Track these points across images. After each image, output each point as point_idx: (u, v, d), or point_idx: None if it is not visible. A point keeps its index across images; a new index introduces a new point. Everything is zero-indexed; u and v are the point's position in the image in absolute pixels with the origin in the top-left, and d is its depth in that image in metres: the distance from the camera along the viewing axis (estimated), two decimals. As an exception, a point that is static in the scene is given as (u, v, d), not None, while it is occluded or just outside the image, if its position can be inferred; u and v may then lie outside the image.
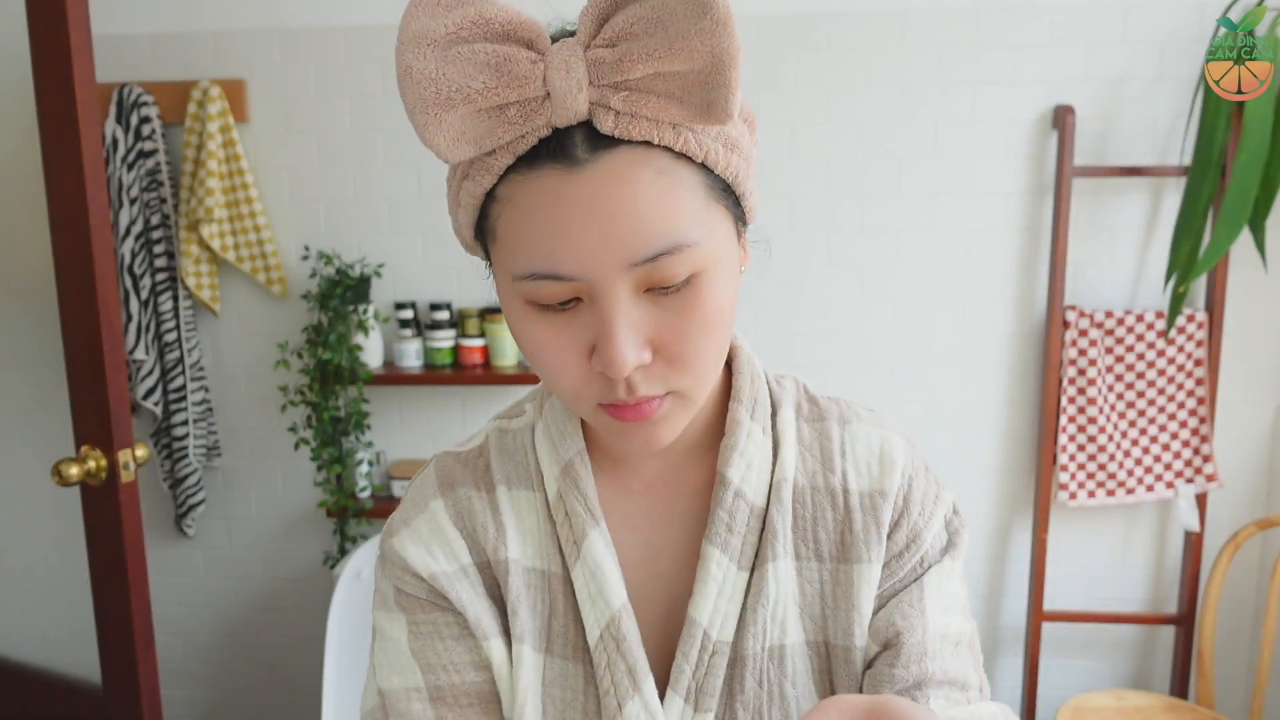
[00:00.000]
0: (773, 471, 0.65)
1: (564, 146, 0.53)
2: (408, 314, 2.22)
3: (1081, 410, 2.12)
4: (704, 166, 0.55)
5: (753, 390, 0.67)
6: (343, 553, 2.30)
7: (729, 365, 0.70)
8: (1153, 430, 2.13)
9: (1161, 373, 2.11)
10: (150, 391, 2.23)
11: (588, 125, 0.53)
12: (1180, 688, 2.21)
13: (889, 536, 0.66)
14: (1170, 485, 2.13)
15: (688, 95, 0.51)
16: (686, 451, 0.67)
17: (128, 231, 2.17)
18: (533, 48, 0.53)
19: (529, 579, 0.65)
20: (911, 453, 0.69)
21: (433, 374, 2.20)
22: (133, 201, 2.17)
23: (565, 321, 0.55)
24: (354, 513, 2.25)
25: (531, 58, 0.52)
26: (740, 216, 0.60)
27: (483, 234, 0.59)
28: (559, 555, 0.65)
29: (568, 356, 0.56)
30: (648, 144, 0.53)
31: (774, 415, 0.68)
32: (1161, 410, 2.12)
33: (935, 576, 0.66)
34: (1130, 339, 2.11)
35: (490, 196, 0.56)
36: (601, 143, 0.52)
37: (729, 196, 0.57)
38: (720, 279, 0.56)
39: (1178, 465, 2.12)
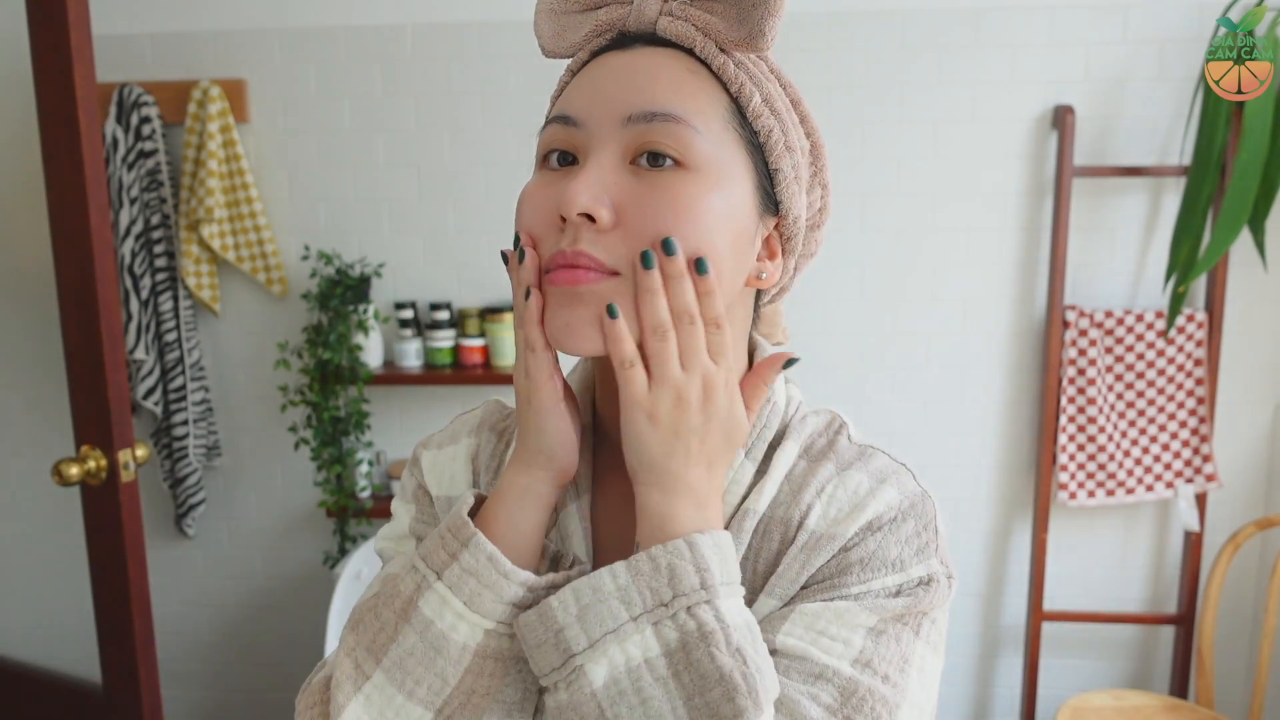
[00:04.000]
0: (743, 501, 0.63)
1: (625, 41, 0.62)
2: (408, 314, 2.22)
3: (1081, 410, 2.12)
4: (735, 103, 0.60)
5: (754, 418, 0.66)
6: (343, 553, 2.30)
7: None
8: (1152, 430, 2.13)
9: (1161, 373, 2.11)
10: (150, 391, 2.23)
11: (652, 34, 0.61)
12: (1180, 688, 2.21)
13: (813, 575, 0.61)
14: (1170, 485, 2.13)
15: (737, 19, 0.58)
16: None
17: (128, 231, 2.17)
18: None
19: None
20: (902, 508, 0.62)
21: (433, 374, 2.20)
22: (133, 201, 2.17)
23: (556, 179, 0.59)
24: (354, 513, 2.25)
25: None
26: (769, 198, 0.62)
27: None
28: None
29: (545, 206, 0.58)
30: (690, 52, 0.60)
31: (776, 446, 0.65)
32: (1161, 410, 2.12)
33: (834, 611, 0.59)
34: (1130, 339, 2.11)
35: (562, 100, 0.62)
36: (655, 41, 0.61)
37: (757, 154, 0.61)
38: (707, 192, 0.57)
39: (1177, 465, 2.12)
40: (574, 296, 0.56)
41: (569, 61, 0.65)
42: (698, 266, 0.56)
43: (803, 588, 0.60)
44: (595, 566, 0.66)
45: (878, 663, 0.57)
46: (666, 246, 0.55)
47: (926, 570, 0.61)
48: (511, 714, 0.59)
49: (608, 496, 0.67)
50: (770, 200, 0.61)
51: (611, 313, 0.55)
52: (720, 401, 0.57)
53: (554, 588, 0.58)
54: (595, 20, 0.63)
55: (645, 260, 0.55)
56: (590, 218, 0.55)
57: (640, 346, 0.57)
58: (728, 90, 0.60)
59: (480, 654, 0.57)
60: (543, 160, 0.61)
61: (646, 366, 0.57)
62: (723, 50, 0.59)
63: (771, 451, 0.65)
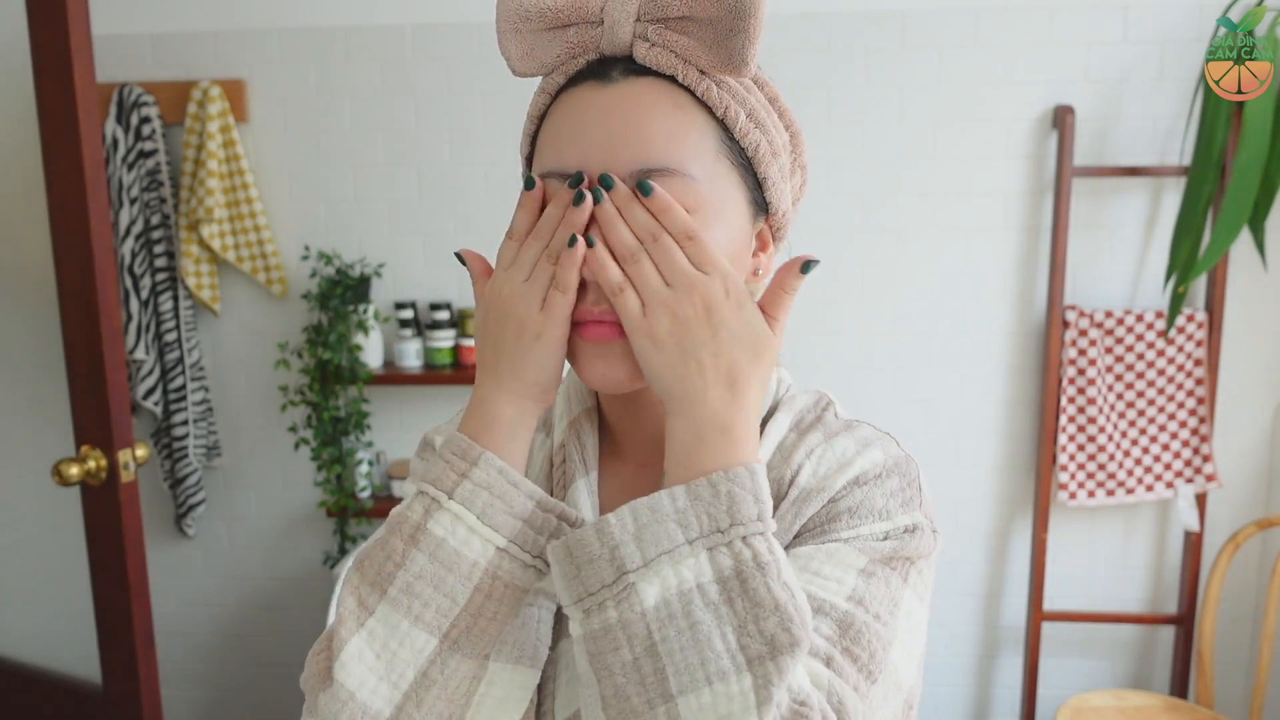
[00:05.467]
0: None
1: (604, 69, 0.61)
2: (408, 314, 2.22)
3: (1081, 410, 2.12)
4: (722, 125, 0.61)
5: None
6: (343, 553, 2.30)
7: None
8: (1152, 430, 2.13)
9: (1161, 372, 2.11)
10: (150, 391, 2.23)
11: (629, 60, 0.61)
12: (1180, 688, 2.21)
13: (804, 524, 0.64)
14: (1170, 485, 2.13)
15: (715, 42, 0.58)
16: None
17: (128, 231, 2.17)
18: None
19: None
20: (887, 465, 0.65)
21: (433, 374, 2.20)
22: (133, 201, 2.17)
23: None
24: (354, 513, 2.25)
25: None
26: (760, 203, 0.64)
27: (532, 163, 0.66)
28: (550, 495, 0.71)
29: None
30: (673, 80, 0.60)
31: (768, 420, 0.69)
32: (1161, 410, 2.12)
33: (825, 552, 0.61)
34: (1130, 339, 2.11)
35: (542, 120, 0.64)
36: (634, 70, 0.60)
37: (746, 170, 0.62)
38: (707, 230, 0.59)
39: (1177, 465, 2.12)
40: (607, 350, 0.61)
41: (542, 81, 0.65)
42: (641, 189, 0.58)
43: (795, 538, 0.63)
44: None
45: (869, 602, 0.60)
46: (604, 181, 0.58)
47: (911, 520, 0.64)
48: (521, 661, 0.60)
49: (611, 479, 0.71)
50: (761, 203, 0.64)
51: (589, 242, 0.58)
52: (724, 311, 0.56)
53: (558, 514, 0.59)
54: (566, 41, 0.62)
55: (595, 196, 0.58)
56: None
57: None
58: (713, 113, 0.61)
59: (491, 573, 0.58)
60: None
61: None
62: (703, 73, 0.60)
63: (763, 425, 0.68)
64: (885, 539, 0.62)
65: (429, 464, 0.63)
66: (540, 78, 0.65)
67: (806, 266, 0.61)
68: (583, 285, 0.60)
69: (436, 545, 0.58)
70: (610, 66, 0.61)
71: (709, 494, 0.53)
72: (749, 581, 0.52)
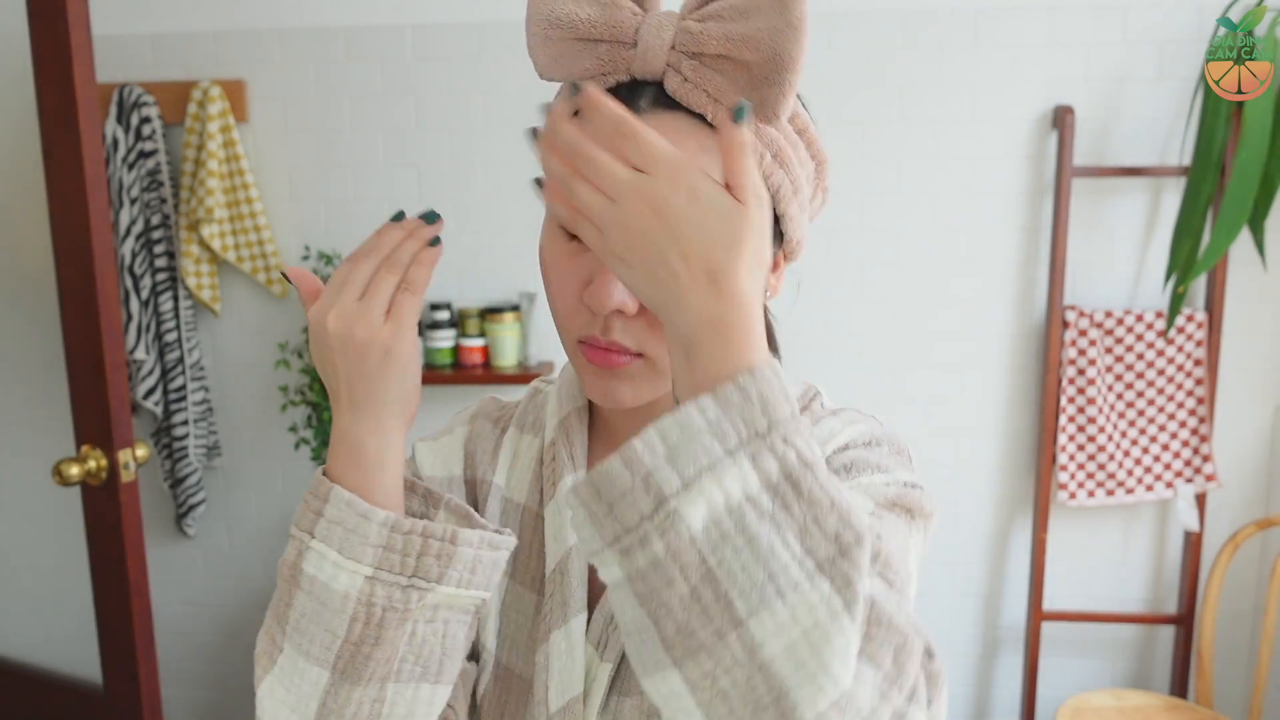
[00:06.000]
0: None
1: (634, 95, 0.59)
2: (408, 314, 2.22)
3: (1081, 410, 2.12)
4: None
5: None
6: (343, 552, 2.30)
7: None
8: (1152, 430, 2.13)
9: (1161, 373, 2.11)
10: (150, 391, 2.23)
11: (659, 87, 0.59)
12: (1180, 687, 2.21)
13: None
14: (1170, 485, 2.13)
15: (750, 88, 0.56)
16: None
17: (128, 231, 2.17)
18: (641, 4, 0.60)
19: (507, 508, 0.73)
20: (875, 435, 0.68)
21: (433, 374, 2.20)
22: (133, 201, 2.18)
23: (577, 250, 0.61)
24: (354, 513, 2.24)
25: (634, 10, 0.59)
26: (776, 233, 0.64)
27: None
28: (539, 494, 0.72)
29: (569, 282, 0.61)
30: (701, 118, 0.59)
31: None
32: (1161, 410, 2.12)
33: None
34: (1130, 339, 2.11)
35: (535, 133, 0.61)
36: (664, 103, 0.59)
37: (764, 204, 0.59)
38: None
39: (1177, 465, 2.12)
40: (611, 374, 0.62)
41: (560, 86, 0.64)
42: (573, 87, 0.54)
43: None
44: None
45: (886, 538, 0.59)
46: (533, 135, 0.54)
47: (910, 477, 0.65)
48: (424, 679, 0.60)
49: None
50: (776, 233, 0.64)
51: (537, 181, 0.55)
52: (677, 205, 0.49)
53: (421, 533, 0.58)
54: (597, 56, 0.60)
55: (432, 243, 0.59)
56: (619, 310, 0.59)
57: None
58: None
59: (364, 602, 0.57)
60: (556, 221, 0.62)
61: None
62: None
63: None
64: (887, 486, 0.63)
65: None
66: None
67: (738, 114, 0.51)
68: (590, 313, 0.60)
69: (310, 583, 0.58)
70: (640, 93, 0.60)
71: (739, 398, 0.48)
72: (801, 482, 0.48)
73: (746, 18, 0.55)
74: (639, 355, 0.61)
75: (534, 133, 0.55)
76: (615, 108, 0.51)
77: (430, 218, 0.59)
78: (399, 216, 0.61)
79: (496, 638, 0.70)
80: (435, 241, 0.59)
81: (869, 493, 0.62)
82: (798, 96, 0.65)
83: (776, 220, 0.64)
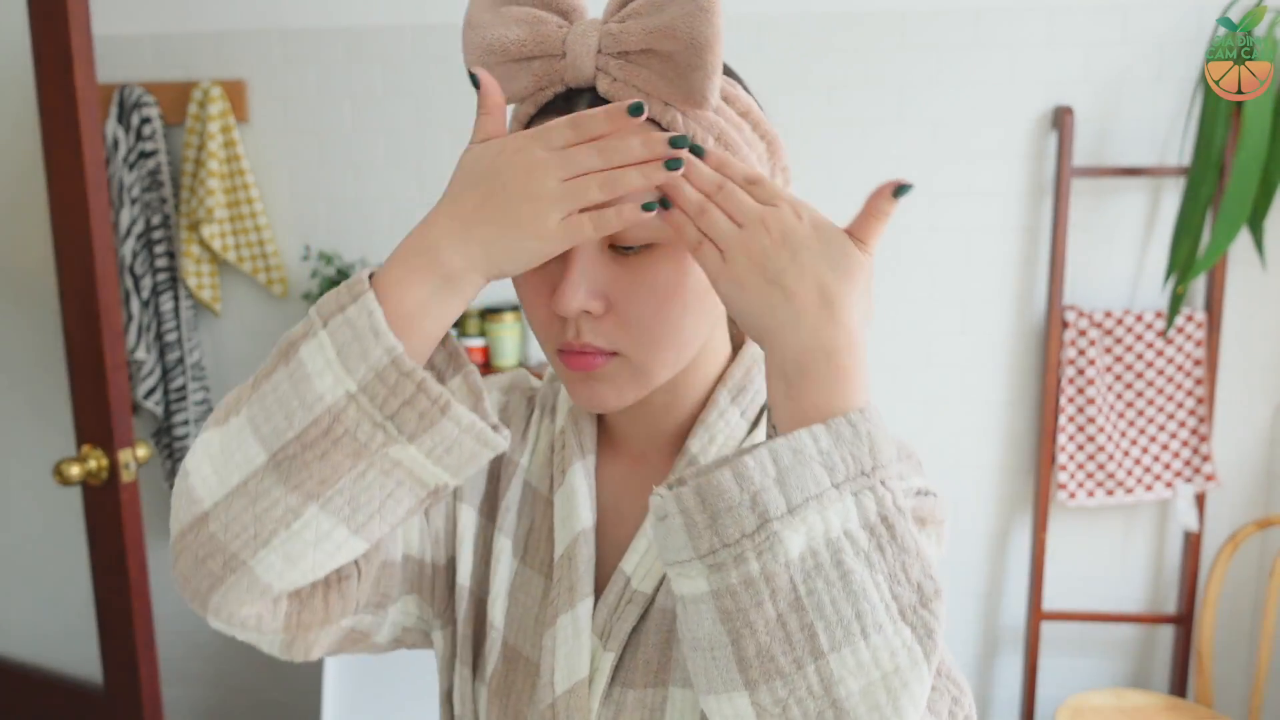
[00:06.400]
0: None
1: (571, 104, 0.61)
2: (408, 314, 2.22)
3: (1080, 410, 2.12)
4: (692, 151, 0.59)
5: (744, 379, 0.70)
6: (343, 552, 2.30)
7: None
8: (1152, 430, 2.13)
9: (1160, 373, 2.11)
10: (151, 391, 2.23)
11: (594, 92, 0.60)
12: (1179, 687, 2.21)
13: None
14: (1169, 485, 2.13)
15: (676, 76, 0.57)
16: (676, 430, 0.70)
17: (128, 232, 2.17)
18: (566, 16, 0.62)
19: (525, 491, 0.73)
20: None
21: (433, 374, 2.20)
22: (133, 202, 2.18)
23: (546, 264, 0.60)
24: (354, 512, 2.25)
25: (559, 23, 0.61)
26: None
27: None
28: (550, 479, 0.73)
29: (539, 296, 0.62)
30: None
31: (760, 415, 0.70)
32: (1160, 410, 2.12)
33: None
34: (1129, 339, 2.11)
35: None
36: (600, 104, 0.60)
37: None
38: (683, 259, 0.60)
39: (1177, 465, 2.13)
40: (589, 377, 0.62)
41: (514, 109, 0.65)
42: (695, 152, 0.57)
43: None
44: (597, 527, 0.70)
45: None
46: (674, 143, 0.56)
47: (923, 483, 0.64)
48: (347, 522, 0.56)
49: (609, 462, 0.72)
50: None
51: (664, 204, 0.57)
52: (800, 234, 0.53)
53: (418, 383, 0.54)
54: (532, 73, 0.61)
55: (669, 165, 0.56)
56: (586, 311, 0.60)
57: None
58: None
59: (334, 413, 0.54)
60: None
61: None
62: (668, 104, 0.59)
63: (763, 413, 0.69)
64: (905, 497, 0.63)
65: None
66: (512, 106, 0.65)
67: (900, 191, 0.56)
68: (562, 320, 0.61)
69: (297, 366, 0.55)
70: (576, 100, 0.61)
71: (850, 434, 0.49)
72: (895, 526, 0.49)
73: (661, 10, 0.57)
74: (614, 354, 0.61)
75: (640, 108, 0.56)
76: (740, 162, 0.57)
77: (677, 142, 0.56)
78: (638, 109, 0.57)
79: (505, 618, 0.70)
80: (664, 205, 0.57)
81: None
82: (738, 80, 0.65)
83: None
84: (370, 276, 0.56)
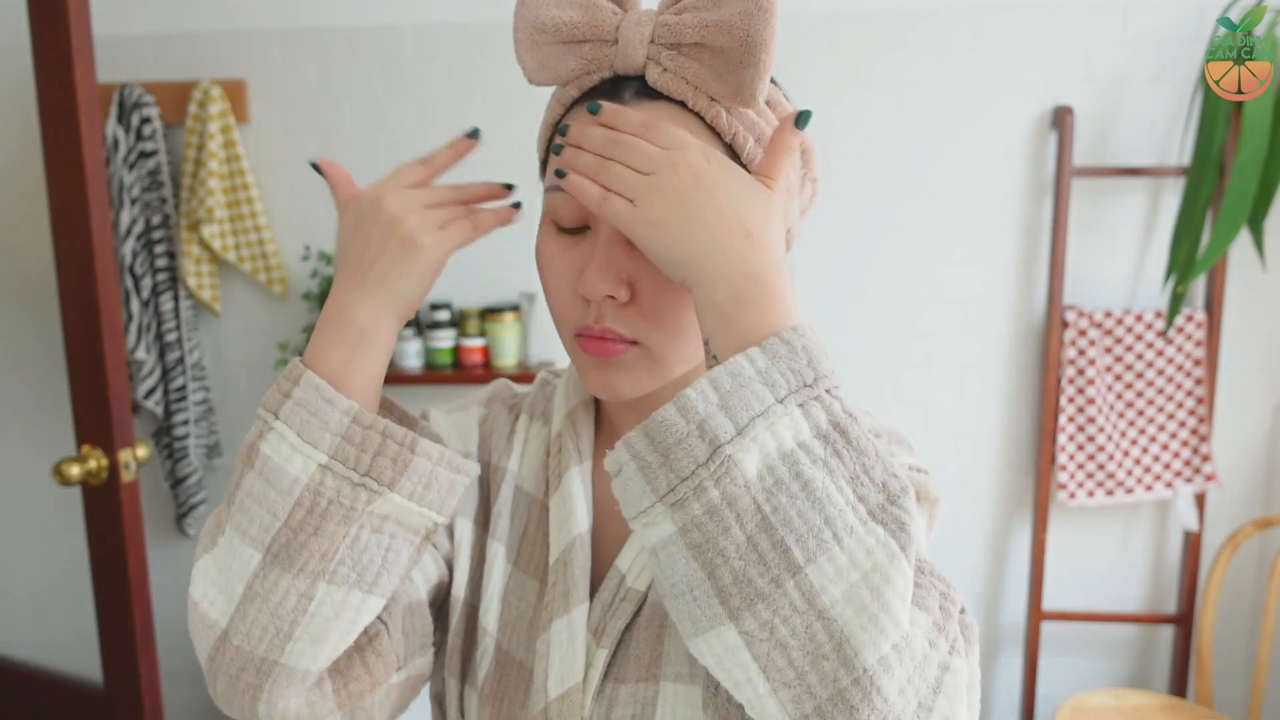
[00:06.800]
0: None
1: (618, 89, 0.62)
2: (408, 314, 2.22)
3: (1081, 410, 2.12)
4: (731, 149, 0.61)
5: None
6: (343, 552, 2.30)
7: None
8: (1152, 430, 2.13)
9: (1160, 372, 2.11)
10: (151, 391, 2.23)
11: (642, 81, 0.61)
12: (1179, 687, 2.21)
13: None
14: (1169, 485, 2.13)
15: (726, 72, 0.58)
16: None
17: (128, 232, 2.17)
18: (621, 4, 0.63)
19: (517, 496, 0.74)
20: (875, 429, 0.68)
21: (433, 374, 2.20)
22: (133, 202, 2.18)
23: (571, 244, 0.62)
24: (354, 512, 2.24)
25: (614, 10, 0.62)
26: None
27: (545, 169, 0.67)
28: (545, 483, 0.72)
29: (563, 276, 0.62)
30: (684, 105, 0.60)
31: None
32: (1160, 410, 2.12)
33: None
34: (1129, 339, 2.11)
35: (557, 129, 0.64)
36: (646, 93, 0.61)
37: None
38: None
39: (1177, 465, 2.13)
40: (607, 363, 0.62)
41: (557, 90, 0.66)
42: (590, 111, 0.59)
43: None
44: (593, 527, 0.70)
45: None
46: (559, 130, 0.60)
47: (914, 460, 0.65)
48: (357, 586, 0.58)
49: (599, 470, 0.72)
50: None
51: (559, 174, 0.59)
52: (710, 172, 0.54)
53: (381, 431, 0.57)
54: (581, 56, 0.62)
55: (556, 151, 0.59)
56: (611, 296, 0.60)
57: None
58: (721, 139, 0.61)
59: (312, 489, 0.56)
60: (551, 218, 0.64)
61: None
62: (713, 100, 0.60)
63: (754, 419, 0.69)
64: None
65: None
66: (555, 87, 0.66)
67: (801, 119, 0.58)
68: (584, 303, 0.62)
69: (264, 463, 0.57)
70: (623, 87, 0.62)
71: (785, 351, 0.50)
72: (849, 431, 0.49)
73: (719, 6, 0.58)
74: (634, 343, 0.61)
75: (557, 130, 0.61)
76: (632, 112, 0.57)
77: (509, 187, 0.64)
78: (474, 133, 0.65)
79: (498, 623, 0.70)
80: (517, 205, 0.63)
81: None
82: (778, 85, 0.66)
83: None
84: (300, 360, 0.60)
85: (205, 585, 0.59)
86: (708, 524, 0.48)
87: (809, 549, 0.47)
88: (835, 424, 0.49)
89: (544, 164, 0.68)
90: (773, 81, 0.65)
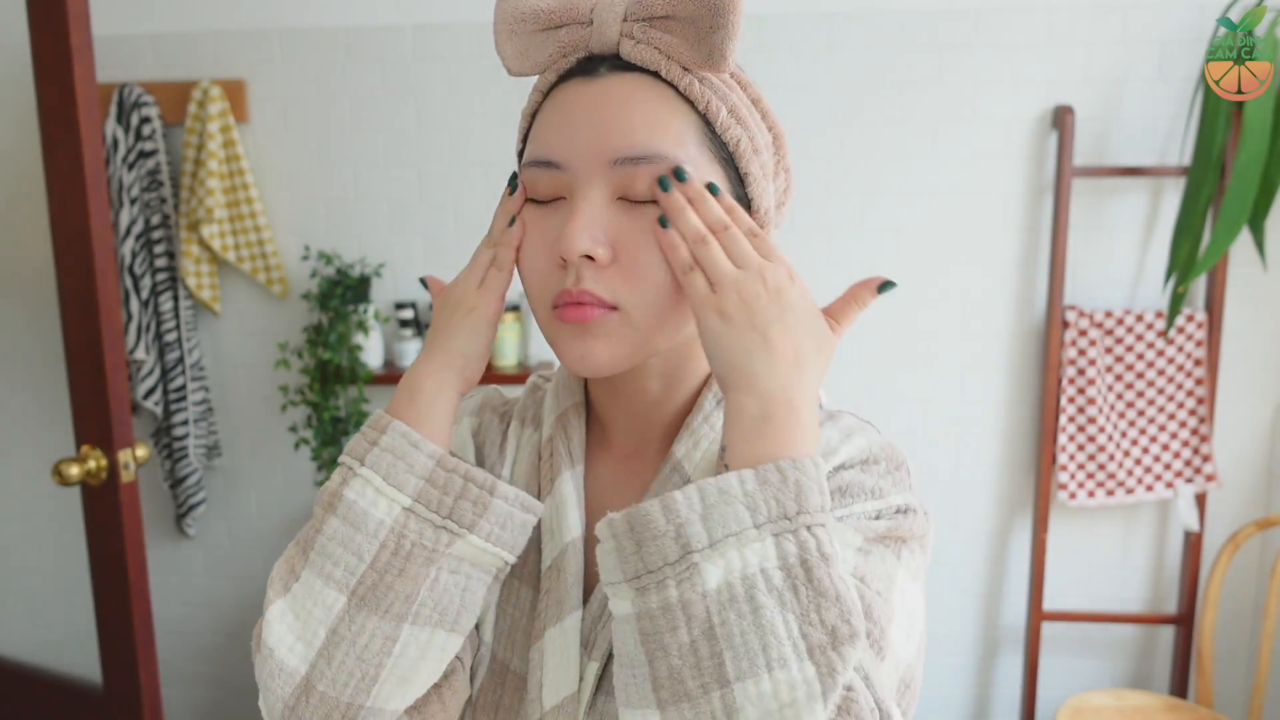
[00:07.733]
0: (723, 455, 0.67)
1: (591, 66, 0.63)
2: (408, 314, 2.22)
3: (1081, 410, 2.12)
4: (704, 120, 0.62)
5: None
6: (343, 552, 2.30)
7: None
8: (1152, 430, 2.13)
9: (1161, 373, 2.11)
10: (150, 391, 2.23)
11: (616, 57, 0.62)
12: (1180, 687, 2.21)
13: None
14: (1170, 485, 2.13)
15: (697, 39, 0.60)
16: (665, 430, 0.71)
17: (128, 231, 2.17)
18: None
19: None
20: (872, 451, 0.67)
21: (433, 374, 2.20)
22: (133, 201, 2.18)
23: (547, 214, 0.63)
24: (354, 513, 2.24)
25: None
26: (743, 199, 0.65)
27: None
28: (536, 489, 0.72)
29: (540, 247, 0.63)
30: (657, 75, 0.62)
31: None
32: (1161, 410, 2.12)
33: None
34: (1130, 339, 2.11)
35: (534, 117, 0.66)
36: (620, 66, 0.62)
37: (728, 165, 0.63)
38: None
39: (1177, 465, 2.12)
40: (584, 330, 0.61)
41: (536, 80, 0.67)
42: (711, 189, 0.61)
43: None
44: (587, 535, 0.70)
45: (870, 579, 0.60)
46: (678, 174, 0.60)
47: (904, 500, 0.65)
48: (440, 625, 0.61)
49: (597, 470, 0.72)
50: (743, 198, 0.65)
51: (662, 223, 0.60)
52: (791, 295, 0.58)
53: (463, 475, 0.61)
54: (558, 41, 0.64)
55: (663, 185, 0.60)
56: (590, 257, 0.60)
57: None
58: (695, 108, 0.62)
59: (398, 532, 0.59)
60: (529, 195, 0.65)
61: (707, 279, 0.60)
62: (686, 70, 0.61)
63: None
64: (878, 518, 0.64)
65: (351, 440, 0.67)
66: (535, 77, 0.67)
67: (884, 287, 0.62)
68: (562, 263, 0.62)
69: (348, 508, 0.60)
70: (598, 63, 0.63)
71: (778, 480, 0.53)
72: (814, 570, 0.51)
73: None
74: (613, 308, 0.61)
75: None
76: (746, 214, 0.61)
77: (512, 188, 0.65)
78: (514, 184, 0.66)
79: (493, 631, 0.69)
80: (511, 221, 0.65)
81: (859, 528, 0.62)
82: (744, 72, 0.67)
83: (741, 180, 0.65)
84: (384, 412, 0.64)
85: (281, 632, 0.60)
86: (660, 618, 0.52)
87: (741, 668, 0.50)
88: (803, 560, 0.52)
89: (521, 154, 0.69)
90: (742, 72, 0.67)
